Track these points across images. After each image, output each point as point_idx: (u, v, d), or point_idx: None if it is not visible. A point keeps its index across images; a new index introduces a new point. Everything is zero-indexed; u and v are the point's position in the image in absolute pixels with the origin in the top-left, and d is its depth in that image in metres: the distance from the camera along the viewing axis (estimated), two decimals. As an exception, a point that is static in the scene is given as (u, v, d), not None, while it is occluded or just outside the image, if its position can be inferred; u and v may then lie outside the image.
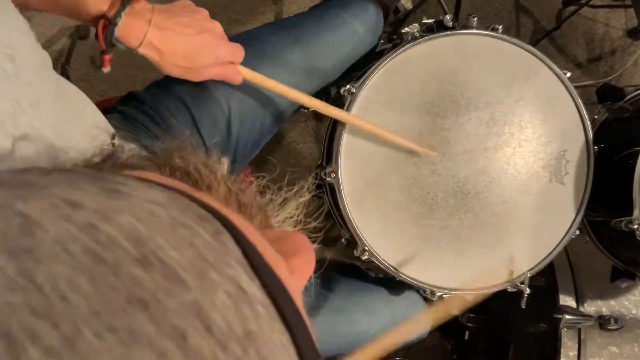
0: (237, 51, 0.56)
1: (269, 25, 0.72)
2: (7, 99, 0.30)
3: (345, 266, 0.81)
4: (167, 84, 0.64)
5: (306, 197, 0.30)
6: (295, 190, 0.30)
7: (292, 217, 0.29)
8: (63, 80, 0.42)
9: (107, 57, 0.51)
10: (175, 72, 0.53)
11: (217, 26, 0.55)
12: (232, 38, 0.57)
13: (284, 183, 0.30)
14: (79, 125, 0.38)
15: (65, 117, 0.36)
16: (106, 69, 0.52)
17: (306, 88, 0.69)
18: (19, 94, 0.31)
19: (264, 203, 0.28)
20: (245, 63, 0.57)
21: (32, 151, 0.28)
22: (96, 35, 0.49)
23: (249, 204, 0.25)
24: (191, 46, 0.52)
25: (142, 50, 0.50)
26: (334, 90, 0.75)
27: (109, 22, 0.48)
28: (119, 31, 0.48)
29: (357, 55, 0.73)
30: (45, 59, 0.36)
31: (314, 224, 0.31)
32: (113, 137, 0.30)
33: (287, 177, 0.32)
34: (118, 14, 0.48)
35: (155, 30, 0.49)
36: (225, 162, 0.27)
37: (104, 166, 0.24)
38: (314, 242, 0.30)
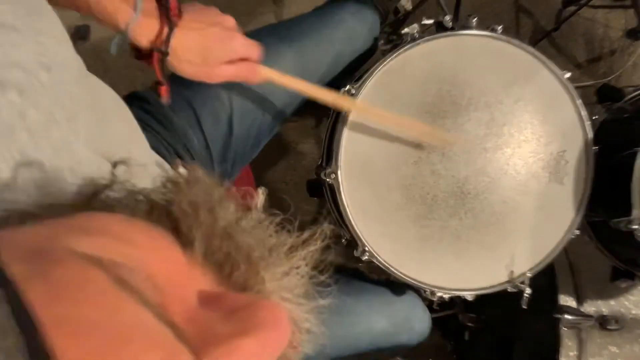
0: (253, 47, 0.54)
1: (272, 25, 0.72)
2: (42, 110, 0.28)
3: (345, 268, 0.81)
4: (170, 82, 0.64)
5: (318, 245, 0.27)
6: (306, 236, 0.27)
7: (297, 268, 0.26)
8: (97, 84, 0.40)
9: (164, 87, 0.51)
10: (189, 71, 0.51)
11: (228, 19, 0.53)
12: None
13: (294, 225, 0.26)
14: (111, 135, 0.37)
15: (99, 128, 0.34)
16: (165, 100, 0.52)
17: (330, 73, 0.70)
18: (53, 106, 0.29)
19: (264, 251, 0.24)
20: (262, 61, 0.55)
21: (25, 181, 0.27)
22: (140, 55, 0.49)
23: (238, 254, 0.23)
24: (202, 40, 0.50)
25: (150, 47, 0.49)
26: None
27: (161, 53, 0.47)
28: (132, 30, 0.47)
29: (354, 52, 0.74)
30: (82, 66, 0.35)
31: (322, 278, 0.27)
32: (114, 165, 0.29)
33: (299, 219, 0.28)
34: (168, 38, 0.47)
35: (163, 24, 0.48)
36: (229, 205, 0.24)
37: (91, 204, 0.24)
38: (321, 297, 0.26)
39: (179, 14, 0.48)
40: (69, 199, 0.24)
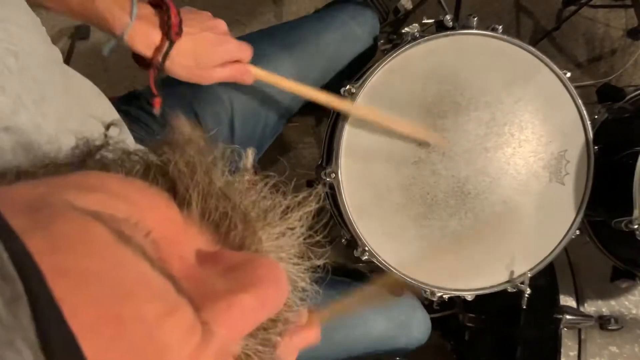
0: (245, 48, 0.55)
1: (273, 27, 0.73)
2: (9, 93, 0.29)
3: (344, 270, 0.81)
4: (170, 83, 0.64)
5: (313, 207, 0.27)
6: (301, 197, 0.27)
7: (293, 229, 0.26)
8: (73, 74, 0.41)
9: (157, 99, 0.53)
10: (183, 74, 0.53)
11: (220, 23, 0.54)
12: None
13: (289, 188, 0.27)
14: (84, 118, 0.38)
15: (72, 111, 0.35)
16: (157, 111, 0.54)
17: (329, 74, 0.70)
18: (21, 90, 0.30)
19: (260, 212, 0.25)
20: (261, 62, 0.57)
21: (8, 145, 0.28)
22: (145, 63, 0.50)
23: (234, 213, 0.23)
24: (195, 44, 0.51)
25: (148, 54, 0.50)
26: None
27: (157, 69, 0.49)
28: (128, 36, 0.48)
29: (354, 54, 0.74)
30: (55, 54, 0.36)
31: (318, 238, 0.28)
32: (107, 127, 0.29)
33: (294, 182, 0.28)
34: (166, 55, 0.49)
35: (160, 33, 0.49)
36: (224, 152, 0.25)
37: (86, 164, 0.24)
38: (319, 257, 0.27)
39: (180, 32, 0.49)
40: (62, 158, 0.24)
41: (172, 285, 0.18)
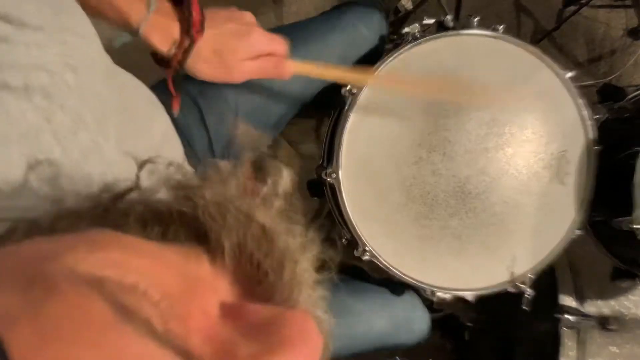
0: (276, 40, 0.51)
1: (279, 27, 0.72)
2: (68, 111, 0.27)
3: (346, 266, 0.81)
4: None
5: (320, 244, 0.25)
6: (311, 235, 0.25)
7: (311, 266, 0.24)
8: (127, 82, 0.38)
9: (177, 100, 0.50)
10: (207, 72, 0.48)
11: (246, 14, 0.50)
12: None
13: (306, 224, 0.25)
14: (140, 135, 0.35)
15: (128, 129, 0.33)
16: (176, 113, 0.51)
17: (311, 88, 0.69)
18: (81, 108, 0.28)
19: (284, 256, 0.22)
20: None
21: (44, 181, 0.26)
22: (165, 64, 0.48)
23: (268, 261, 0.21)
24: (217, 38, 0.47)
25: (164, 49, 0.47)
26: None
27: (176, 68, 0.46)
28: (144, 29, 0.44)
29: (360, 55, 0.73)
30: (110, 65, 0.34)
31: (331, 274, 0.26)
32: (141, 166, 0.26)
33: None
34: (187, 53, 0.45)
35: (178, 28, 0.46)
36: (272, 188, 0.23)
37: (103, 216, 0.22)
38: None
39: (202, 30, 0.46)
40: (84, 207, 0.23)
41: None
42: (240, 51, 0.48)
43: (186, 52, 0.46)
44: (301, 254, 0.23)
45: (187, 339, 0.17)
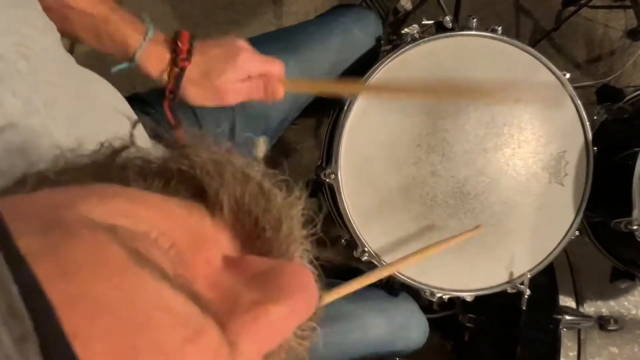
0: (270, 62, 0.52)
1: (275, 31, 0.72)
2: (19, 95, 0.29)
3: (344, 269, 0.80)
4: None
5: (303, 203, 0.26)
6: (298, 194, 0.25)
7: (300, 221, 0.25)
8: (92, 79, 0.40)
9: (180, 130, 0.52)
10: (199, 97, 0.51)
11: (237, 40, 0.51)
12: None
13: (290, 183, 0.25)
14: (98, 126, 0.37)
15: (85, 118, 0.35)
16: (183, 141, 0.52)
17: (305, 94, 0.69)
18: (31, 92, 0.30)
19: (280, 212, 0.23)
20: None
21: (15, 144, 0.27)
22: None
23: (265, 217, 0.22)
24: (205, 61, 0.49)
25: (157, 76, 0.50)
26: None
27: (171, 95, 0.49)
28: (140, 58, 0.47)
29: (357, 58, 0.73)
30: (68, 58, 0.35)
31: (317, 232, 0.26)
32: (133, 125, 0.27)
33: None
34: (177, 80, 0.48)
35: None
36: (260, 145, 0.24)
37: (104, 169, 0.23)
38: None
39: (188, 58, 0.48)
40: (82, 162, 0.24)
41: (196, 304, 0.17)
42: (228, 73, 0.50)
43: (177, 79, 0.49)
44: (295, 208, 0.24)
45: (194, 285, 0.18)
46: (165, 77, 0.49)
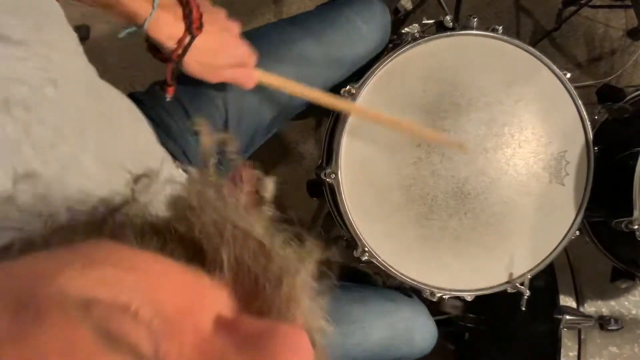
0: (252, 55, 0.56)
1: (274, 23, 0.70)
2: (48, 125, 0.28)
3: (348, 271, 0.79)
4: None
5: (321, 254, 0.25)
6: (309, 246, 0.24)
7: (310, 278, 0.24)
8: (109, 95, 0.40)
9: (171, 88, 0.54)
10: (196, 70, 0.53)
11: (236, 26, 0.55)
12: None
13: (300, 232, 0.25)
14: (122, 149, 0.36)
15: (110, 140, 0.34)
16: (170, 98, 0.55)
17: (331, 79, 0.68)
18: (60, 121, 0.29)
19: (281, 271, 0.22)
20: (261, 64, 0.57)
21: (30, 195, 0.26)
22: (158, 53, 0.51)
23: (265, 276, 0.21)
24: (213, 43, 0.52)
25: (169, 45, 0.50)
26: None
27: (175, 62, 0.50)
28: (150, 25, 0.47)
29: (359, 53, 0.70)
30: (93, 76, 0.35)
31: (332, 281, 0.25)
32: (136, 180, 0.26)
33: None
34: (186, 48, 0.49)
35: (182, 25, 0.49)
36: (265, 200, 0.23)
37: (105, 227, 0.22)
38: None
39: (200, 27, 0.50)
40: (80, 221, 0.23)
41: None
42: (227, 60, 0.54)
43: (186, 48, 0.49)
44: (300, 265, 0.23)
45: (180, 357, 0.18)
46: (173, 43, 0.49)
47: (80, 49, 0.33)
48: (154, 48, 0.51)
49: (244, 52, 0.55)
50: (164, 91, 0.55)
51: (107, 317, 0.17)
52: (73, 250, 0.20)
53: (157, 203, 0.25)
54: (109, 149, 0.33)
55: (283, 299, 0.22)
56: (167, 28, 0.48)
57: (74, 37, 0.33)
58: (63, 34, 0.31)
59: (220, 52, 0.53)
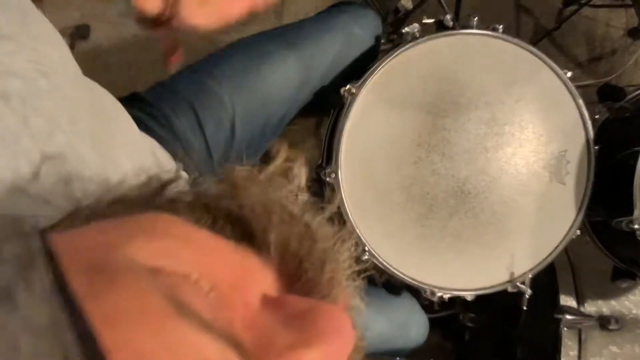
0: None
1: (267, 33, 0.72)
2: (44, 115, 0.28)
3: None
4: (172, 84, 0.64)
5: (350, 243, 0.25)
6: (347, 228, 0.25)
7: (349, 260, 0.24)
8: (97, 90, 0.40)
9: (176, 56, 0.49)
10: (201, 15, 0.47)
11: None
12: (228, 46, 0.55)
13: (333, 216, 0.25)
14: (118, 140, 0.36)
15: (103, 130, 0.34)
16: (173, 68, 0.49)
17: (305, 91, 0.69)
18: (55, 111, 0.29)
19: (325, 254, 0.23)
20: (241, 68, 0.56)
21: (52, 175, 0.27)
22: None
23: (309, 258, 0.22)
24: None
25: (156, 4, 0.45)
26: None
27: (170, 22, 0.45)
28: None
29: (356, 56, 0.73)
30: (77, 69, 0.35)
31: (359, 267, 0.26)
32: (182, 159, 0.27)
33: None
34: (175, 12, 0.44)
35: None
36: (303, 186, 0.24)
37: (154, 201, 0.23)
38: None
39: None
40: (133, 195, 0.24)
41: (234, 351, 0.17)
42: None
43: (174, 3, 0.44)
44: (341, 247, 0.24)
45: (232, 328, 0.18)
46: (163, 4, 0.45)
47: (64, 43, 0.34)
48: (145, 18, 0.46)
49: None
50: (166, 64, 0.50)
51: (172, 284, 0.18)
52: (136, 222, 0.21)
53: (208, 184, 0.25)
54: (101, 139, 0.34)
55: (326, 281, 0.22)
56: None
57: (53, 28, 0.33)
58: (45, 26, 0.32)
59: None
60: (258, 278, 0.21)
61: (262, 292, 0.21)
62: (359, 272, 0.25)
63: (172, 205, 0.23)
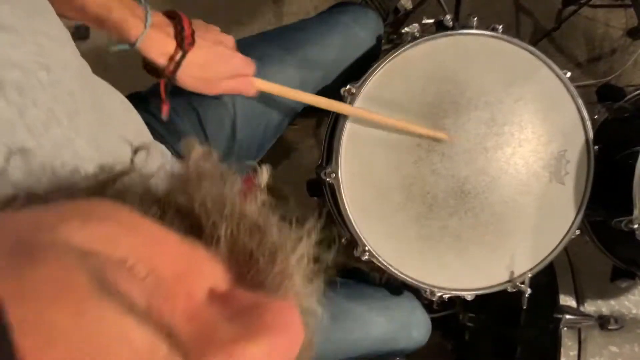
0: (250, 63, 0.57)
1: (276, 29, 0.73)
2: (41, 107, 0.29)
3: (345, 268, 0.80)
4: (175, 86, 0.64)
5: (315, 236, 0.25)
6: (309, 227, 0.25)
7: (305, 258, 0.24)
8: (104, 87, 0.41)
9: (167, 106, 0.55)
10: (190, 84, 0.54)
11: (230, 39, 0.56)
12: None
13: (294, 216, 0.25)
14: (114, 136, 0.37)
15: (103, 128, 0.35)
16: (166, 117, 0.56)
17: (331, 79, 0.70)
18: (54, 104, 0.30)
19: (276, 246, 0.23)
20: (265, 69, 0.59)
21: (21, 168, 0.26)
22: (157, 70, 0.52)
23: (259, 250, 0.22)
24: (206, 57, 0.53)
25: (161, 62, 0.51)
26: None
27: (168, 78, 0.51)
28: (142, 43, 0.48)
29: (357, 57, 0.73)
30: (85, 69, 0.36)
31: (330, 257, 0.26)
32: (135, 151, 0.27)
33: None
34: (178, 64, 0.50)
35: (174, 42, 0.51)
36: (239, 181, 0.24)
37: (103, 192, 0.23)
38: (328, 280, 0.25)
39: (193, 43, 0.51)
40: (82, 184, 0.24)
41: (164, 339, 0.17)
42: (222, 72, 0.55)
43: (178, 63, 0.51)
44: (296, 244, 0.23)
45: (169, 317, 0.18)
46: (165, 60, 0.51)
47: (72, 43, 0.34)
48: (149, 65, 0.52)
49: (240, 62, 0.56)
50: (159, 109, 0.56)
51: (102, 266, 0.17)
52: (75, 206, 0.20)
53: (155, 179, 0.25)
54: (101, 137, 0.34)
55: (276, 274, 0.22)
56: (159, 46, 0.50)
57: (61, 26, 0.33)
58: (54, 25, 0.32)
59: (214, 64, 0.54)
60: (205, 271, 0.21)
61: (209, 285, 0.21)
62: (318, 274, 0.25)
63: (120, 196, 0.22)
